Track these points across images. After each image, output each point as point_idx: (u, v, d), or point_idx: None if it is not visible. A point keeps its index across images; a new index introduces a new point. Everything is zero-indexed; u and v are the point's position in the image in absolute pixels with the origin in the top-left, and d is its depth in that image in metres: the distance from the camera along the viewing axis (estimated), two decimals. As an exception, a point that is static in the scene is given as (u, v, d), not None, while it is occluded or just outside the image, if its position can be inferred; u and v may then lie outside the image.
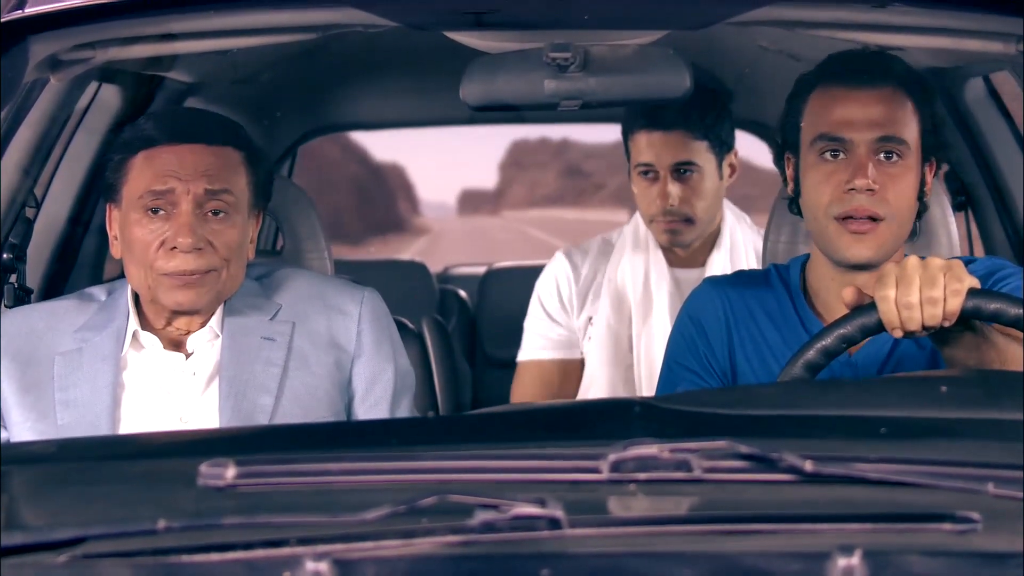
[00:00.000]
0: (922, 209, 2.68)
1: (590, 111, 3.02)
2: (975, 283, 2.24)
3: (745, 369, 2.70)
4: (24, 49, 2.47)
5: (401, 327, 3.73)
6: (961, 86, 3.74)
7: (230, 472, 1.50)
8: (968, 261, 2.67)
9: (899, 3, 2.47)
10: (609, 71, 2.72)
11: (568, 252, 3.83)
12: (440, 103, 5.16)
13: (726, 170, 3.72)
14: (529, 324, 3.83)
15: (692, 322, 2.77)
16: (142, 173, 2.63)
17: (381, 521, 1.41)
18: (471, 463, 1.54)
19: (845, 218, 2.56)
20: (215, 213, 2.62)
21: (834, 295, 2.63)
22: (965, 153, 3.85)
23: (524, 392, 3.81)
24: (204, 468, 1.51)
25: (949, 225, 3.15)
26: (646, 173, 3.65)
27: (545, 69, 2.69)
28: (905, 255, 2.67)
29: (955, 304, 2.21)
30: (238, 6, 2.50)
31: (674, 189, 3.61)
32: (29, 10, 2.43)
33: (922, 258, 2.69)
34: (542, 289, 3.82)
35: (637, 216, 3.77)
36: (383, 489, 1.53)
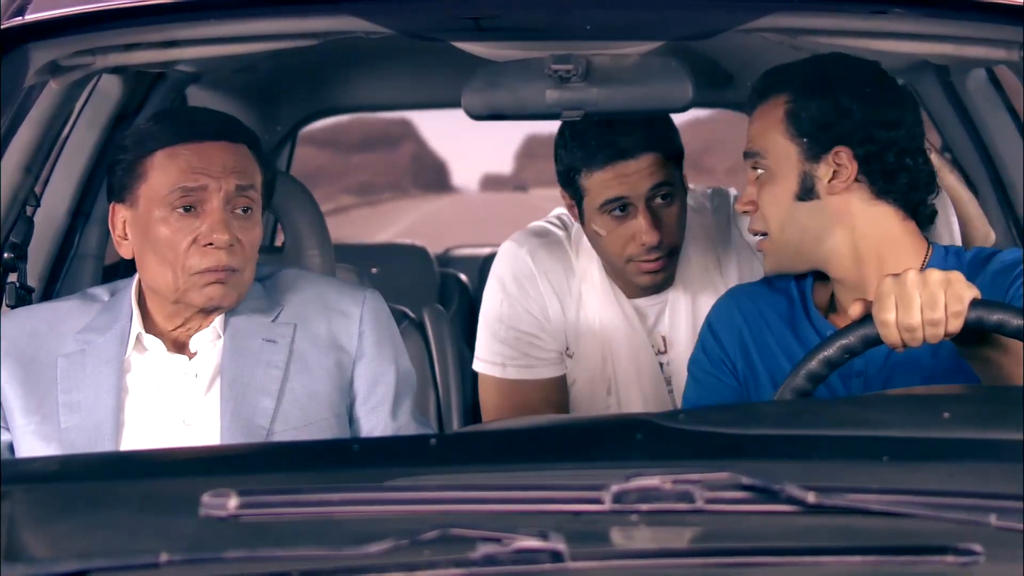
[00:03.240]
0: (894, 191, 2.67)
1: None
2: (976, 294, 2.23)
3: (762, 372, 2.73)
4: (24, 55, 2.46)
5: (402, 316, 3.75)
6: (963, 77, 3.73)
7: (232, 502, 1.51)
8: (993, 252, 2.66)
9: (899, 9, 2.47)
10: (611, 81, 2.71)
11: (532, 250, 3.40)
12: (440, 86, 5.16)
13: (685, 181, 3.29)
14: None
15: (711, 331, 2.82)
16: (165, 171, 2.61)
17: (384, 554, 1.41)
18: (473, 493, 1.54)
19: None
20: (244, 211, 2.63)
21: (843, 296, 2.68)
22: (966, 143, 3.84)
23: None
24: (206, 498, 1.51)
25: (951, 223, 3.14)
26: (616, 210, 3.16)
27: (547, 79, 2.68)
28: (933, 246, 2.68)
29: (956, 325, 2.21)
30: (238, 14, 2.49)
31: (656, 220, 3.15)
32: (29, 17, 2.42)
33: (963, 250, 2.71)
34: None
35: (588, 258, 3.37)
36: (386, 519, 1.53)
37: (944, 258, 2.66)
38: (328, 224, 3.36)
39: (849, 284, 2.65)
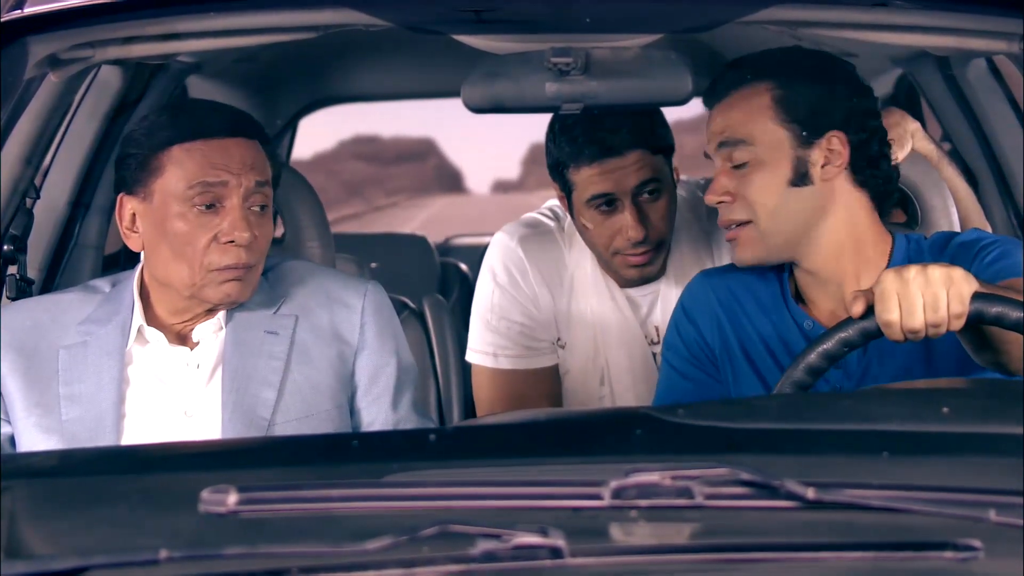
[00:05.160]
0: (877, 179, 2.68)
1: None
2: (977, 287, 2.22)
3: (739, 358, 2.72)
4: (23, 48, 2.46)
5: (402, 306, 3.75)
6: (963, 67, 3.73)
7: (232, 498, 1.51)
8: (951, 235, 2.68)
9: (900, 1, 2.47)
10: (611, 74, 2.70)
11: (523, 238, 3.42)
12: (440, 77, 5.16)
13: (675, 175, 3.28)
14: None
15: (686, 315, 2.82)
16: (183, 166, 2.60)
17: (383, 551, 1.41)
18: (472, 489, 1.54)
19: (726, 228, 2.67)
20: (261, 208, 2.63)
21: (812, 289, 2.70)
22: (967, 133, 3.84)
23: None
24: (206, 494, 1.51)
25: (950, 213, 3.14)
26: (603, 204, 3.18)
27: (546, 72, 2.68)
28: (894, 236, 2.68)
29: (958, 325, 2.21)
30: (237, 7, 2.49)
31: (641, 216, 3.17)
32: (28, 10, 2.42)
33: (924, 238, 2.70)
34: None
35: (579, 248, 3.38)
36: (385, 516, 1.53)
37: (907, 248, 2.68)
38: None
39: (822, 276, 2.66)
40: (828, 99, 2.64)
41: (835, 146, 2.62)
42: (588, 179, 3.17)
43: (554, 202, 3.49)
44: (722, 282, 2.79)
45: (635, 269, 3.25)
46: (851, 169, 2.64)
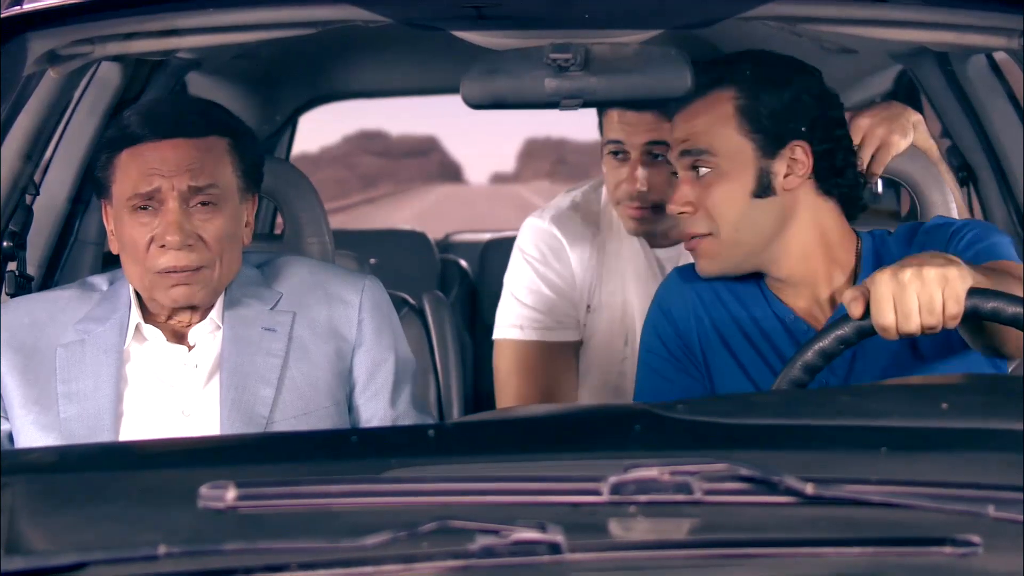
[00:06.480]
0: (842, 187, 2.67)
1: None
2: (971, 283, 2.21)
3: (720, 351, 2.71)
4: (23, 45, 2.46)
5: (402, 303, 3.75)
6: (963, 64, 3.72)
7: (231, 494, 1.50)
8: (917, 224, 2.67)
9: None
10: (610, 70, 2.70)
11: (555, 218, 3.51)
12: (440, 73, 5.16)
13: None
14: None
15: (662, 312, 2.79)
16: (127, 172, 2.60)
17: (382, 546, 1.41)
18: (471, 485, 1.54)
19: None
20: (203, 205, 2.61)
21: (783, 291, 2.69)
22: (966, 130, 3.83)
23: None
24: (205, 490, 1.51)
25: (950, 209, 3.14)
26: (616, 153, 3.32)
27: (546, 68, 2.67)
28: (859, 235, 2.68)
29: (953, 324, 2.20)
30: (237, 3, 2.49)
31: (644, 172, 3.27)
32: (28, 6, 2.42)
33: (888, 233, 2.69)
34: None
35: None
36: (384, 511, 1.53)
37: (873, 244, 2.67)
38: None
39: (791, 282, 2.65)
40: (792, 108, 2.61)
41: (798, 156, 2.61)
42: (608, 124, 3.32)
43: (574, 191, 3.59)
44: (700, 277, 2.77)
45: (633, 222, 3.35)
46: (816, 178, 2.63)
